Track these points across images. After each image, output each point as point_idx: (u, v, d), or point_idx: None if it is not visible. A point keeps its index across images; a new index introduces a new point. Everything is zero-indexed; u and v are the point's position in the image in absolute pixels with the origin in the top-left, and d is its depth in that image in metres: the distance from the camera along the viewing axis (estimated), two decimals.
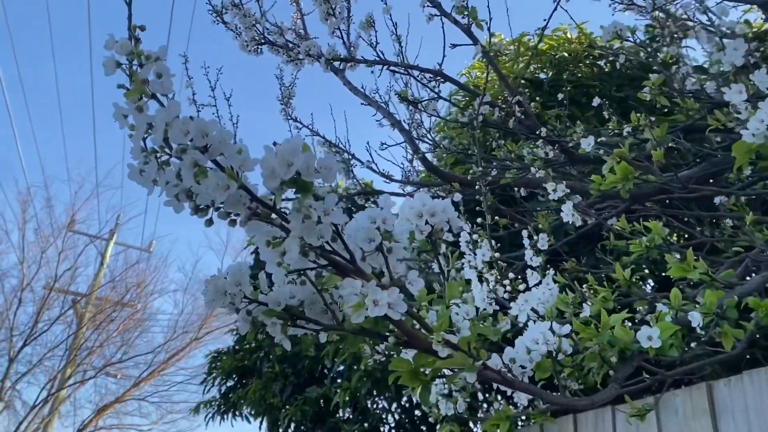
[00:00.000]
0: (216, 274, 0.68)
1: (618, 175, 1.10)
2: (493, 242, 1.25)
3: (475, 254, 1.25)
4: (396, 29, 1.86)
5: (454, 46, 1.71)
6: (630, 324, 1.07)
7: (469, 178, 1.69)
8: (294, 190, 0.59)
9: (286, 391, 3.92)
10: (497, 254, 1.23)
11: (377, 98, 2.29)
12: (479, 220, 1.43)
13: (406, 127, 2.15)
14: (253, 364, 4.26)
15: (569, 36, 3.32)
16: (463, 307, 0.84)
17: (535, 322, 1.03)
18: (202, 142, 0.58)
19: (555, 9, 1.54)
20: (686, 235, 2.38)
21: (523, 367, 0.76)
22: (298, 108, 2.58)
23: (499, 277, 1.16)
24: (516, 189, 2.23)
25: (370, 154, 2.31)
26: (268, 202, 0.62)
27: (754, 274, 1.27)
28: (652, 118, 1.41)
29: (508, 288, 1.16)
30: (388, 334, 0.71)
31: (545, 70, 3.31)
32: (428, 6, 1.71)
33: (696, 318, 0.82)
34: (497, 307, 1.19)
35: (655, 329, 0.79)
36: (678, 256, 0.91)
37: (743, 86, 0.84)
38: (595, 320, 0.90)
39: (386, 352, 0.76)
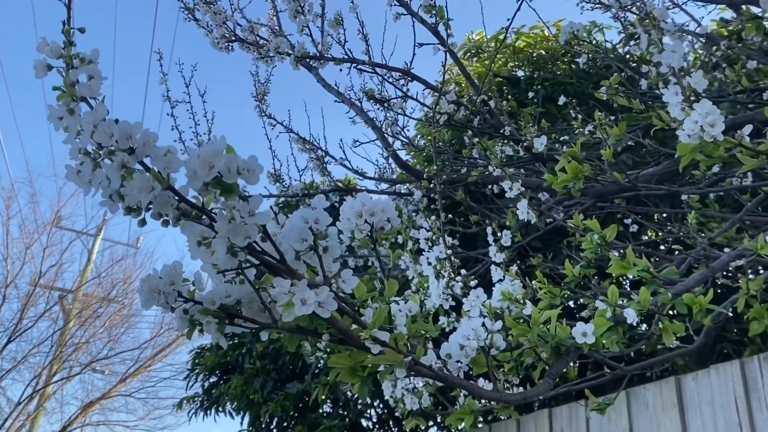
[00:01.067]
0: (151, 273, 0.69)
1: (569, 174, 1.12)
2: (449, 239, 1.26)
3: (432, 251, 1.27)
4: (363, 28, 1.87)
5: (421, 45, 1.73)
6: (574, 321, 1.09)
7: (424, 176, 1.71)
8: (219, 192, 0.61)
9: (267, 386, 3.93)
10: (450, 251, 1.25)
11: (351, 95, 2.30)
12: (435, 216, 1.44)
13: (379, 124, 2.16)
14: (235, 360, 4.27)
15: (546, 34, 3.34)
16: (406, 304, 0.85)
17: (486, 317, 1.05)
18: (127, 144, 0.59)
19: (518, 8, 1.55)
20: (657, 232, 2.41)
21: (459, 362, 0.78)
22: (273, 105, 2.58)
23: (452, 274, 1.18)
24: (488, 186, 2.25)
25: (344, 151, 2.33)
26: (197, 203, 0.63)
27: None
28: (612, 117, 1.43)
29: (460, 284, 1.18)
30: (324, 331, 0.73)
31: (523, 67, 3.33)
32: (395, 5, 1.72)
33: (630, 315, 0.84)
34: (453, 303, 1.21)
35: (590, 325, 0.81)
36: (617, 254, 0.93)
37: (679, 88, 0.86)
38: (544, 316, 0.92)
39: (327, 350, 0.77)
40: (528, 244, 2.05)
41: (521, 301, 0.97)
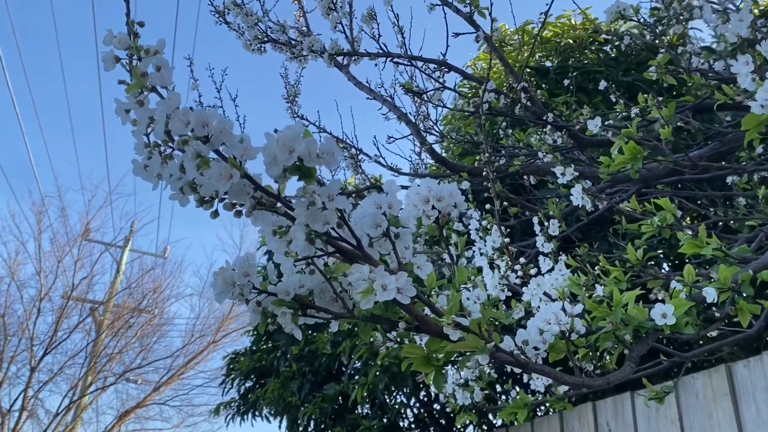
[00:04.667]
0: (224, 266, 0.68)
1: (627, 155, 1.09)
2: (503, 228, 1.24)
3: (485, 242, 1.25)
4: (398, 20, 1.85)
5: (457, 35, 1.70)
6: (643, 304, 1.06)
7: (476, 165, 1.68)
8: (297, 177, 0.59)
9: (304, 389, 3.92)
10: (507, 240, 1.23)
11: (382, 92, 2.29)
12: (488, 206, 1.42)
13: (413, 119, 2.14)
14: (271, 363, 4.27)
15: (573, 23, 3.29)
16: (474, 291, 0.83)
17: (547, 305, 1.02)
18: (203, 132, 0.58)
19: None
20: (699, 217, 2.36)
21: (536, 348, 0.76)
22: (304, 106, 2.58)
23: (510, 263, 1.15)
24: (525, 177, 2.22)
25: (378, 148, 2.31)
26: (272, 191, 0.62)
27: None
28: (660, 98, 1.40)
29: (519, 274, 1.15)
30: (398, 320, 0.71)
31: (551, 58, 3.29)
32: None
33: (711, 293, 0.81)
34: (509, 294, 1.18)
35: (670, 306, 0.78)
36: (690, 233, 0.90)
37: (750, 57, 0.83)
38: (608, 299, 0.89)
39: (398, 340, 0.75)
40: (570, 234, 2.02)
41: (591, 285, 0.94)
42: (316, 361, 3.93)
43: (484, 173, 1.15)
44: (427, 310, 0.73)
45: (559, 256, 1.56)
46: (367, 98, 2.23)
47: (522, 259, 1.19)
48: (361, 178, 2.46)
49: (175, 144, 0.61)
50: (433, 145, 2.16)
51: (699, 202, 2.03)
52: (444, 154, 2.67)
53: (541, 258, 1.54)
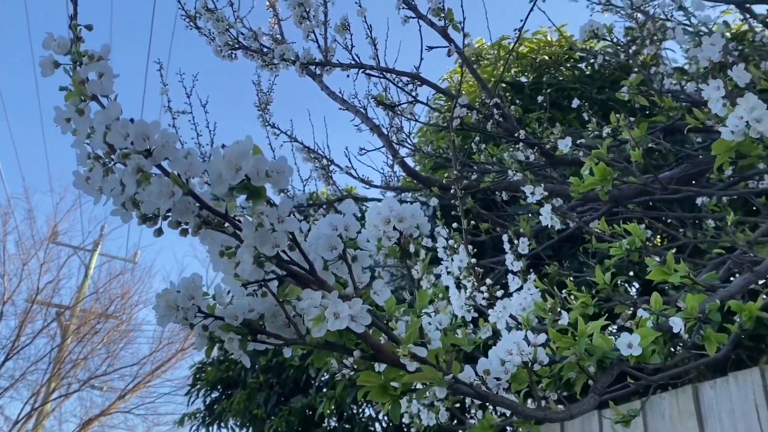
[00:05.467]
0: (168, 287, 0.64)
1: (596, 176, 1.07)
2: (470, 247, 1.21)
3: (452, 260, 1.22)
4: (371, 32, 1.82)
5: (430, 48, 1.68)
6: (612, 330, 1.03)
7: (444, 182, 1.66)
8: (245, 197, 0.55)
9: (271, 401, 3.85)
10: (474, 260, 1.20)
11: (356, 103, 2.26)
12: (455, 225, 1.39)
13: (385, 131, 2.11)
14: (238, 374, 4.19)
15: (549, 39, 3.30)
16: (436, 317, 0.80)
17: (513, 329, 0.99)
18: (144, 146, 0.54)
19: (531, 9, 1.51)
20: (669, 237, 2.36)
21: (498, 378, 0.72)
22: (276, 114, 2.53)
23: (476, 284, 1.13)
24: (497, 193, 2.20)
25: (349, 159, 2.28)
26: (220, 209, 0.58)
27: (738, 275, 1.25)
28: (632, 119, 1.39)
29: (486, 295, 1.12)
30: (354, 348, 0.67)
31: (526, 73, 3.29)
32: (404, 8, 1.68)
33: (678, 324, 0.79)
34: (476, 314, 1.15)
35: (636, 336, 0.75)
36: (658, 258, 0.88)
37: (721, 82, 0.82)
38: (574, 327, 0.87)
39: (355, 367, 0.71)
40: (540, 252, 2.00)
41: (557, 312, 0.92)
42: (284, 372, 3.86)
43: (452, 191, 1.12)
44: (385, 337, 0.69)
45: (528, 274, 1.53)
46: (340, 109, 2.20)
47: (488, 280, 1.16)
48: (332, 189, 2.42)
49: (116, 157, 0.57)
50: (405, 158, 2.13)
51: (669, 222, 2.03)
52: (417, 168, 2.65)
53: (510, 276, 1.52)
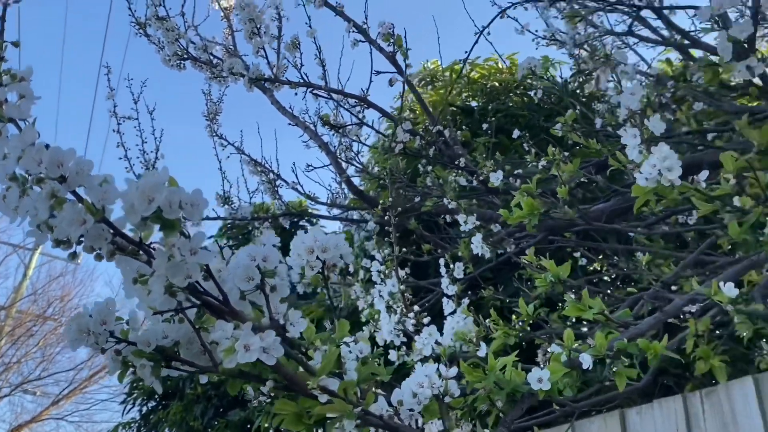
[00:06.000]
0: (81, 311, 0.64)
1: (525, 210, 1.11)
2: (403, 272, 1.23)
3: (385, 284, 1.24)
4: (320, 53, 1.84)
5: (378, 73, 1.71)
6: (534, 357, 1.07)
7: (379, 205, 1.68)
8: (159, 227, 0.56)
9: (208, 413, 3.79)
10: (404, 286, 1.22)
11: (306, 119, 2.27)
12: (389, 248, 1.42)
13: (333, 149, 2.13)
14: (176, 384, 4.11)
15: (500, 66, 3.39)
16: (356, 345, 0.81)
17: (429, 361, 1.01)
18: (57, 173, 0.54)
19: (476, 42, 1.56)
20: (610, 266, 2.44)
21: (411, 409, 0.74)
22: (225, 125, 2.52)
23: (404, 310, 1.15)
24: (441, 215, 2.24)
25: (296, 175, 2.28)
26: (134, 238, 0.58)
27: (659, 310, 1.30)
28: (566, 153, 1.44)
29: (413, 321, 1.14)
30: (268, 377, 0.68)
31: (476, 98, 3.36)
32: (354, 31, 1.71)
33: (586, 360, 0.82)
34: (405, 339, 1.17)
35: (545, 371, 0.78)
36: (573, 297, 0.92)
37: (637, 131, 0.86)
38: (495, 357, 0.89)
39: (271, 394, 0.72)
40: (479, 275, 2.04)
41: (475, 342, 0.94)
42: (222, 385, 3.81)
43: (385, 215, 1.14)
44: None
45: (464, 297, 1.56)
46: (290, 124, 2.21)
47: (416, 307, 1.18)
48: (279, 203, 2.42)
49: (30, 181, 0.57)
50: (352, 177, 2.15)
51: (603, 253, 2.10)
52: (366, 186, 2.67)
53: (444, 300, 1.54)
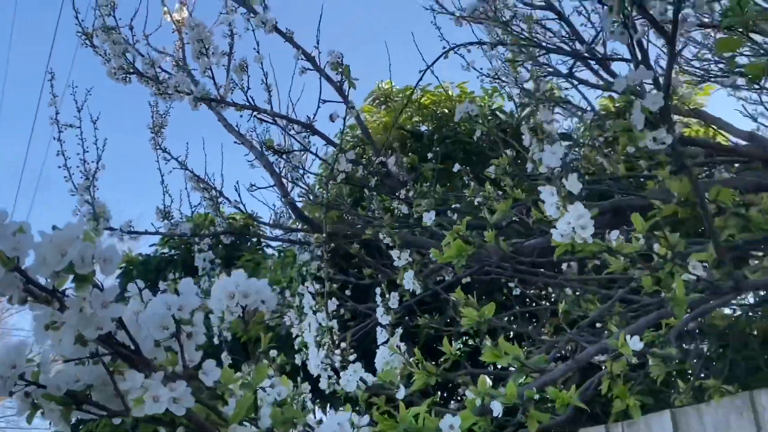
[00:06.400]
0: None
1: (453, 251, 1.15)
2: (332, 306, 1.25)
3: (316, 317, 1.25)
4: (266, 78, 1.86)
5: (324, 101, 1.74)
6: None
7: (313, 240, 1.70)
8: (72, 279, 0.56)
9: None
10: (331, 323, 1.24)
11: (254, 137, 2.27)
12: (318, 286, 1.43)
13: (280, 170, 2.13)
14: None
15: (451, 94, 3.46)
16: (275, 389, 0.83)
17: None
18: None
19: (422, 76, 1.60)
20: (541, 297, 2.51)
21: None
22: (171, 137, 2.49)
23: (332, 346, 1.17)
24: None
25: (239, 194, 2.28)
26: (47, 286, 0.58)
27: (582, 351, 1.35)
28: (500, 192, 1.49)
29: (339, 357, 1.16)
30: (180, 423, 0.69)
31: (427, 122, 3.42)
32: (302, 59, 1.73)
33: (497, 408, 0.85)
34: (332, 373, 1.19)
35: (457, 418, 0.81)
36: (490, 344, 0.96)
37: (555, 189, 0.91)
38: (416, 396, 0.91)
39: None
40: (413, 305, 2.07)
41: (396, 384, 0.97)
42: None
43: (320, 253, 1.16)
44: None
45: (397, 327, 1.59)
46: (235, 142, 2.21)
47: (344, 344, 1.20)
48: (220, 220, 2.40)
49: None
50: (297, 198, 2.16)
51: (536, 287, 2.16)
52: (309, 209, 2.68)
53: (378, 329, 1.57)
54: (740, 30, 1.07)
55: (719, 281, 1.05)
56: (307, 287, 1.44)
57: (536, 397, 0.93)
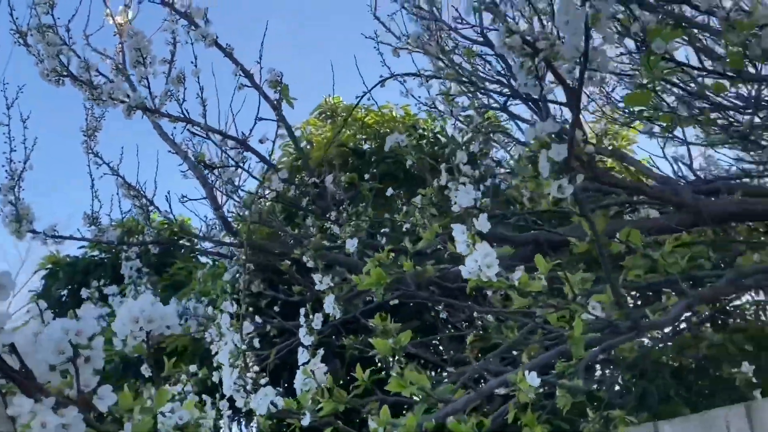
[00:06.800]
0: None
1: (372, 279, 1.18)
2: (249, 328, 1.26)
3: (233, 338, 1.26)
4: (202, 92, 1.86)
5: (261, 119, 1.75)
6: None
7: (235, 258, 1.71)
8: None
9: None
10: (245, 347, 1.25)
11: (190, 147, 2.25)
12: (235, 309, 1.44)
13: (212, 183, 2.12)
14: None
15: (394, 114, 3.51)
16: (176, 413, 0.83)
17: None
18: None
19: (360, 100, 1.63)
20: (465, 320, 2.57)
21: None
22: (104, 142, 2.44)
23: (244, 369, 1.17)
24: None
25: (170, 204, 2.25)
26: None
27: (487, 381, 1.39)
28: (430, 214, 1.53)
29: (251, 380, 1.17)
30: None
31: (369, 141, 3.46)
32: (240, 75, 1.73)
33: None
34: (245, 394, 1.20)
35: None
36: (398, 375, 0.99)
37: (465, 228, 0.95)
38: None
39: None
40: (343, 321, 2.09)
41: (301, 413, 0.99)
42: None
43: (243, 274, 1.17)
44: None
45: (318, 349, 1.60)
46: (170, 151, 2.18)
47: (256, 367, 1.21)
48: (149, 230, 2.37)
49: None
50: (229, 214, 2.15)
51: (462, 311, 2.22)
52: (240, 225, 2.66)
53: (300, 349, 1.58)
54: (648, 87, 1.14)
55: (617, 321, 1.11)
56: (225, 308, 1.44)
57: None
